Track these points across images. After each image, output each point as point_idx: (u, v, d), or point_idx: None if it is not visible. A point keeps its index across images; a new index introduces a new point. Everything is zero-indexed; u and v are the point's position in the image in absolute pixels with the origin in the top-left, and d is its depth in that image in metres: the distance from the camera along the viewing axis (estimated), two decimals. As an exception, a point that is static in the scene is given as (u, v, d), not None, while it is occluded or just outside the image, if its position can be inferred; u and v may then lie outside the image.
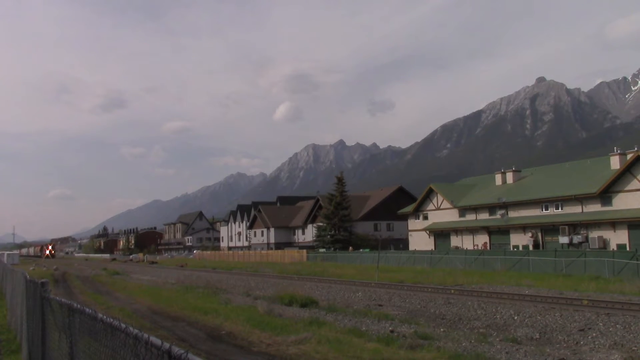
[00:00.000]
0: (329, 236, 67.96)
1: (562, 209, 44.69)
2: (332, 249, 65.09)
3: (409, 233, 61.95)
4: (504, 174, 55.77)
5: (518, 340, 13.96)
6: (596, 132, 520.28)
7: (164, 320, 17.25)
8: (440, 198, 57.40)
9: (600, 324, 14.96)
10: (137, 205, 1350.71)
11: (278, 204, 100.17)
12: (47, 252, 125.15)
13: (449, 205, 55.49)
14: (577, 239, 41.27)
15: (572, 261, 31.65)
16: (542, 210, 46.28)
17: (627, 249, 36.36)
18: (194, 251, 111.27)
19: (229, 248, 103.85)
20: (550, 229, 44.41)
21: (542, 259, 34.12)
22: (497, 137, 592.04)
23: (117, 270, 50.60)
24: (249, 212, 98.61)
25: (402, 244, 64.32)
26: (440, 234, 56.53)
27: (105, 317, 3.60)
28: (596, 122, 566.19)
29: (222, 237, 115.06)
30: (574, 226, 42.34)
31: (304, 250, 66.19)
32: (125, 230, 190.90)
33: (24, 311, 9.39)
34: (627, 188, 40.02)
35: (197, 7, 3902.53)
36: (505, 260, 36.39)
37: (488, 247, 48.04)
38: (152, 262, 79.47)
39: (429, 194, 59.19)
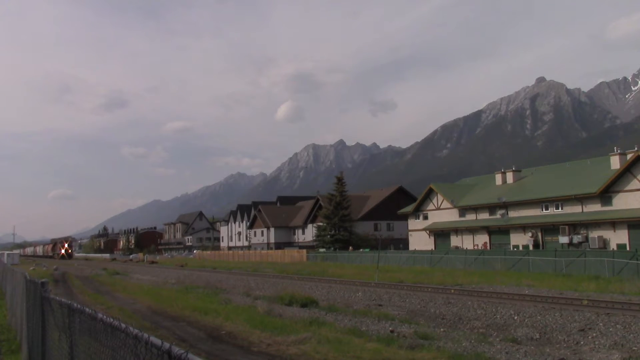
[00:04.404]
0: (329, 236, 67.97)
1: (562, 209, 44.69)
2: (332, 248, 65.09)
3: (409, 233, 61.96)
4: (504, 174, 55.78)
5: (518, 340, 13.96)
6: (596, 132, 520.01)
7: (164, 320, 17.26)
8: (440, 198, 57.41)
9: (600, 324, 14.96)
10: (137, 205, 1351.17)
11: (278, 204, 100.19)
12: (63, 251, 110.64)
13: (449, 205, 55.50)
14: (577, 238, 41.28)
15: (572, 261, 31.65)
16: (542, 210, 46.29)
17: (627, 248, 36.35)
18: (194, 251, 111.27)
19: (229, 248, 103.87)
20: (550, 228, 44.41)
21: (542, 259, 34.11)
22: (497, 137, 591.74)
23: (117, 270, 50.58)
24: (249, 212, 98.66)
25: (402, 244, 64.33)
26: (440, 233, 56.54)
27: (105, 317, 3.60)
28: (596, 122, 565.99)
29: (222, 237, 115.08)
30: (574, 226, 42.34)
31: (304, 250, 66.20)
32: (125, 230, 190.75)
33: (24, 311, 9.39)
34: (627, 188, 40.03)
35: (198, 6, 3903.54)
36: (505, 260, 36.40)
37: (488, 247, 48.04)
38: (152, 262, 79.45)
39: (429, 194, 59.19)
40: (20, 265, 58.76)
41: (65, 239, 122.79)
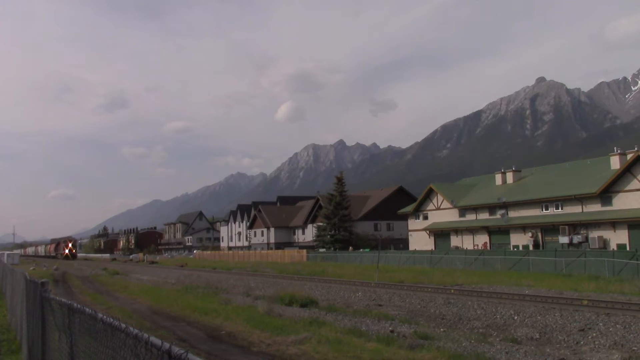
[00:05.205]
0: (329, 236, 67.95)
1: (562, 209, 44.69)
2: (332, 249, 65.08)
3: (409, 233, 61.95)
4: (504, 174, 55.78)
5: (518, 340, 13.97)
6: (596, 132, 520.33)
7: (164, 320, 17.26)
8: (440, 198, 57.40)
9: (600, 324, 14.96)
10: (137, 205, 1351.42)
11: (278, 204, 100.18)
12: (66, 251, 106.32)
13: (449, 205, 55.49)
14: (577, 239, 41.27)
15: (572, 261, 31.65)
16: (542, 210, 46.29)
17: (627, 249, 36.35)
18: (194, 251, 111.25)
19: (229, 248, 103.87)
20: (550, 229, 44.41)
21: (542, 259, 34.11)
22: (497, 137, 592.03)
23: (117, 270, 50.58)
24: (249, 212, 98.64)
25: (402, 244, 64.32)
26: (440, 234, 56.53)
27: (105, 317, 3.59)
28: (596, 122, 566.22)
29: (222, 237, 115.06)
30: (574, 226, 42.33)
31: (304, 250, 66.19)
32: (125, 230, 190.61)
33: (24, 311, 9.39)
34: (627, 188, 40.02)
35: (199, 6, 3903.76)
36: (505, 260, 36.40)
37: (488, 247, 48.04)
38: (152, 262, 79.45)
39: (429, 194, 59.19)
40: (20, 265, 58.76)
41: (69, 239, 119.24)
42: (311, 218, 79.63)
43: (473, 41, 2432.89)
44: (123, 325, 3.12)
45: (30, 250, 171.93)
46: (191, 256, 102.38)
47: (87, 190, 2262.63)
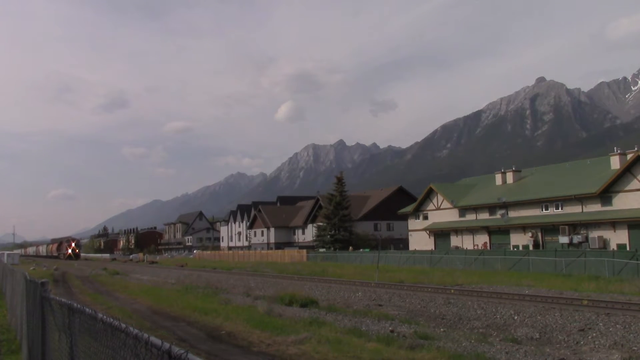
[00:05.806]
0: (329, 236, 67.97)
1: (562, 209, 44.70)
2: (332, 249, 65.09)
3: (409, 233, 61.96)
4: (504, 174, 55.79)
5: (518, 340, 13.97)
6: (596, 132, 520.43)
7: (164, 320, 17.26)
8: (440, 198, 57.41)
9: (600, 324, 14.97)
10: (137, 205, 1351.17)
11: (278, 204, 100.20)
12: (69, 250, 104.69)
13: (449, 205, 55.50)
14: (577, 239, 41.28)
15: (572, 261, 31.66)
16: (542, 210, 46.30)
17: (627, 248, 36.35)
18: (194, 251, 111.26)
19: (229, 248, 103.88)
20: (550, 229, 44.41)
21: (542, 259, 34.12)
22: (497, 137, 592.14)
23: (117, 270, 50.60)
24: (249, 212, 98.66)
25: (402, 244, 64.33)
26: (440, 234, 56.53)
27: (105, 317, 3.59)
28: (596, 122, 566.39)
29: (222, 237, 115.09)
30: (574, 226, 42.34)
31: (304, 250, 66.20)
32: (125, 230, 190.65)
33: (24, 311, 9.39)
34: (627, 188, 40.03)
35: (199, 6, 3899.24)
36: (505, 260, 36.40)
37: (488, 247, 48.05)
38: (152, 262, 79.49)
39: (429, 194, 59.20)
40: (20, 265, 58.75)
41: (71, 239, 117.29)
42: (311, 218, 79.64)
43: (473, 41, 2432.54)
44: (123, 325, 3.12)
45: (30, 250, 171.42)
46: (191, 256, 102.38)
47: (87, 190, 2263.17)
